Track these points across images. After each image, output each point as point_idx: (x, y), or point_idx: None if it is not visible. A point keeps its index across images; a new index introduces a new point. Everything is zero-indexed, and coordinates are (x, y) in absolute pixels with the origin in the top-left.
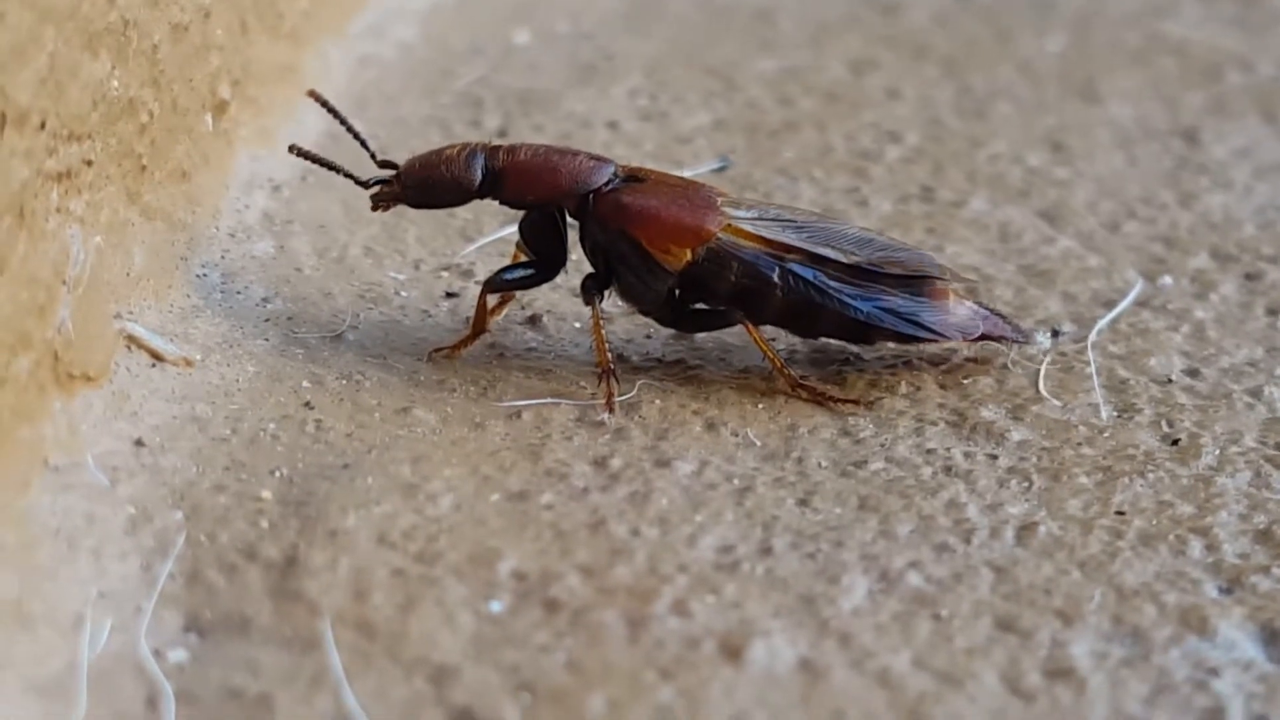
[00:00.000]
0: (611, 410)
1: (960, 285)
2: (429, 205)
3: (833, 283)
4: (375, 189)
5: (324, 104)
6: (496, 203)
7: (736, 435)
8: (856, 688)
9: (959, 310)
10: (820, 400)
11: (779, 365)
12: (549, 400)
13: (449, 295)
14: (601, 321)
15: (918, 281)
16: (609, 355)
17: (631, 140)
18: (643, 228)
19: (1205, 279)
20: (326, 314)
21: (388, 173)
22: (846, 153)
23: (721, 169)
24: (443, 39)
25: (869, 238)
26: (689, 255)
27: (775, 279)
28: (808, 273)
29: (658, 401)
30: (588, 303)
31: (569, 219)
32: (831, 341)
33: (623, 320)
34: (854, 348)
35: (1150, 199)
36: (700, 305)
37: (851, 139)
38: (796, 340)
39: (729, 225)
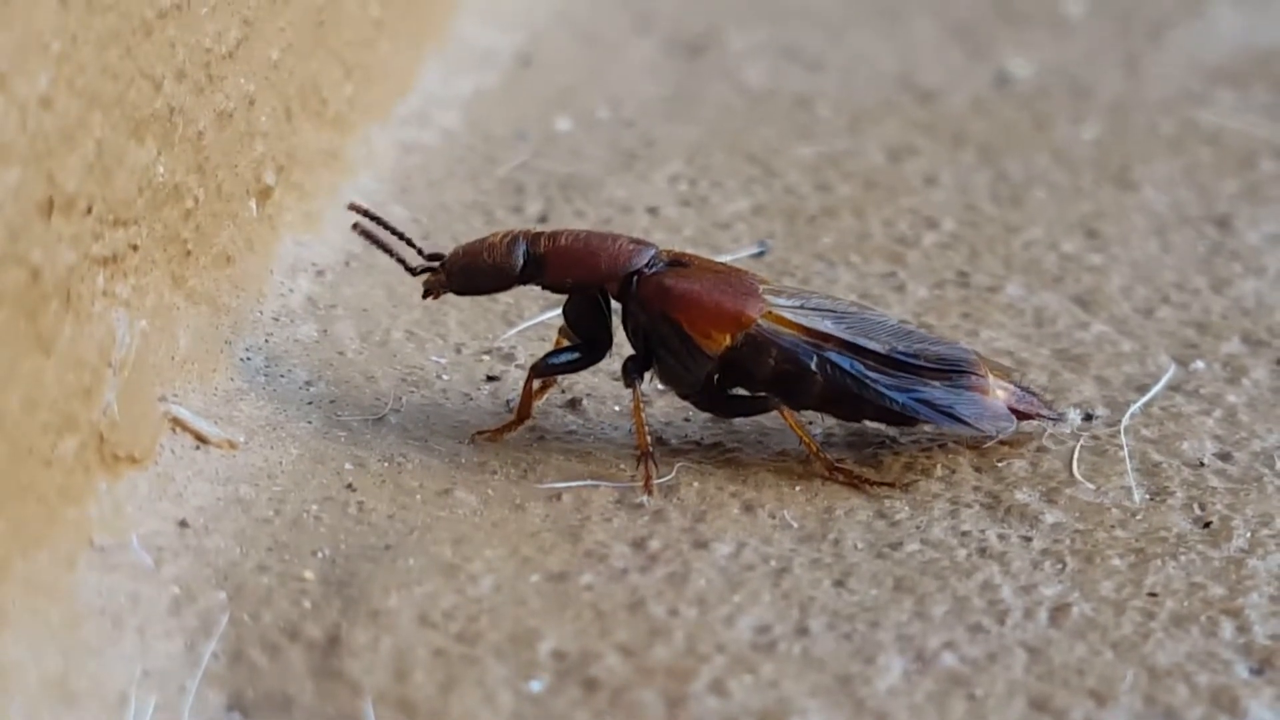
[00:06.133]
0: (650, 492)
1: (996, 374)
2: (473, 291)
3: (870, 373)
4: (425, 277)
5: (364, 213)
6: (540, 288)
7: (774, 517)
8: None
9: (995, 404)
10: (856, 483)
11: (815, 449)
12: (589, 483)
13: (490, 379)
14: (641, 405)
15: (955, 374)
16: (648, 439)
17: (671, 225)
18: (684, 311)
19: (1237, 364)
20: (369, 397)
21: (433, 264)
22: (884, 238)
23: (760, 254)
24: (486, 126)
25: (907, 329)
26: (729, 340)
27: (813, 367)
28: (845, 362)
29: (696, 484)
30: (629, 385)
31: (612, 303)
32: (869, 424)
33: (662, 404)
34: (891, 431)
35: (1183, 284)
36: (739, 390)
37: (889, 225)
38: (834, 423)
39: (769, 312)
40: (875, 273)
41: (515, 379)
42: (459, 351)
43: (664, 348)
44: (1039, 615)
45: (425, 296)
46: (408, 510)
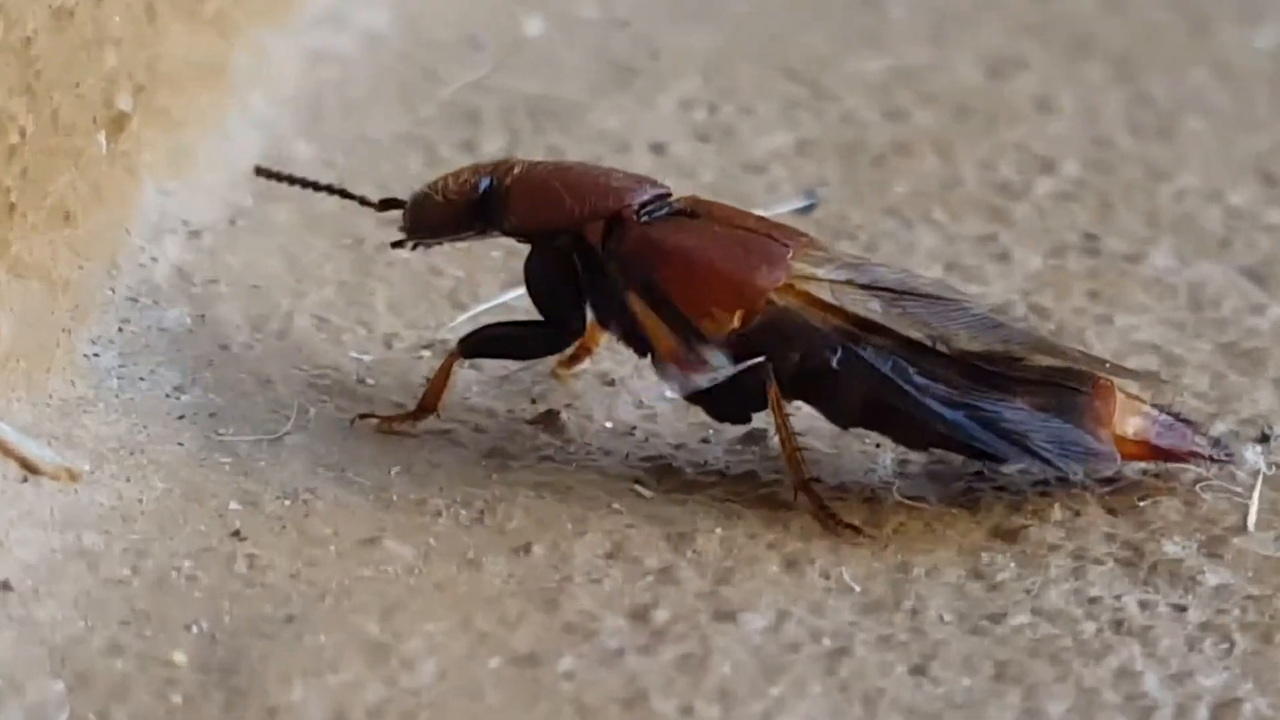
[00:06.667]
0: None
1: (1132, 388)
2: (430, 234)
3: (917, 378)
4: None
5: (279, 176)
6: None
7: (827, 577)
8: None
9: (1096, 440)
10: (821, 519)
11: (790, 450)
12: (570, 528)
13: None
14: None
15: (1054, 389)
16: None
17: (683, 167)
18: (672, 277)
19: None
20: (263, 409)
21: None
22: (980, 186)
23: (808, 209)
24: (425, 29)
25: (996, 322)
26: (736, 322)
27: (835, 365)
28: (883, 361)
29: (719, 530)
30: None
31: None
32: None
33: (671, 417)
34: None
35: None
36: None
37: (987, 167)
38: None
39: (792, 286)
40: (968, 235)
41: (467, 383)
42: (389, 346)
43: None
44: (1197, 713)
45: (396, 245)
46: (317, 567)
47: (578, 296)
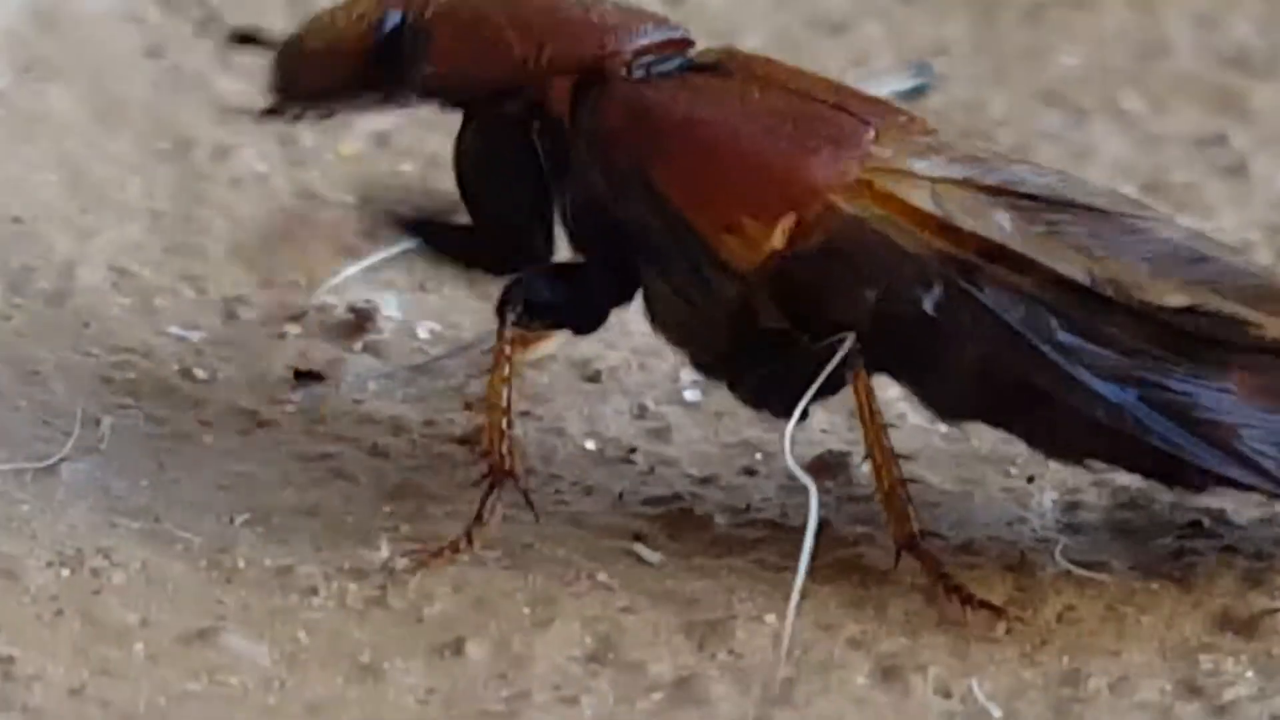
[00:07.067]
0: (469, 543)
1: None
2: (306, 100)
3: (1066, 335)
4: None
5: None
6: (414, 105)
7: (948, 694)
8: None
9: None
10: (940, 598)
11: (891, 487)
12: (527, 614)
13: (303, 377)
14: (507, 361)
15: None
16: (504, 426)
17: (717, 24)
18: (676, 164)
19: None
20: (27, 420)
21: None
22: (1194, 54)
23: (916, 92)
24: None
25: (1202, 254)
26: (776, 239)
27: (930, 308)
28: (1011, 309)
29: (769, 617)
30: (500, 320)
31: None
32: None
33: (690, 426)
34: (1169, 493)
35: None
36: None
37: (1211, 25)
38: (1091, 475)
39: (870, 185)
40: (1176, 133)
41: (360, 376)
42: (230, 315)
43: (648, 251)
44: None
45: (269, 114)
46: (115, 680)
47: (537, 198)
